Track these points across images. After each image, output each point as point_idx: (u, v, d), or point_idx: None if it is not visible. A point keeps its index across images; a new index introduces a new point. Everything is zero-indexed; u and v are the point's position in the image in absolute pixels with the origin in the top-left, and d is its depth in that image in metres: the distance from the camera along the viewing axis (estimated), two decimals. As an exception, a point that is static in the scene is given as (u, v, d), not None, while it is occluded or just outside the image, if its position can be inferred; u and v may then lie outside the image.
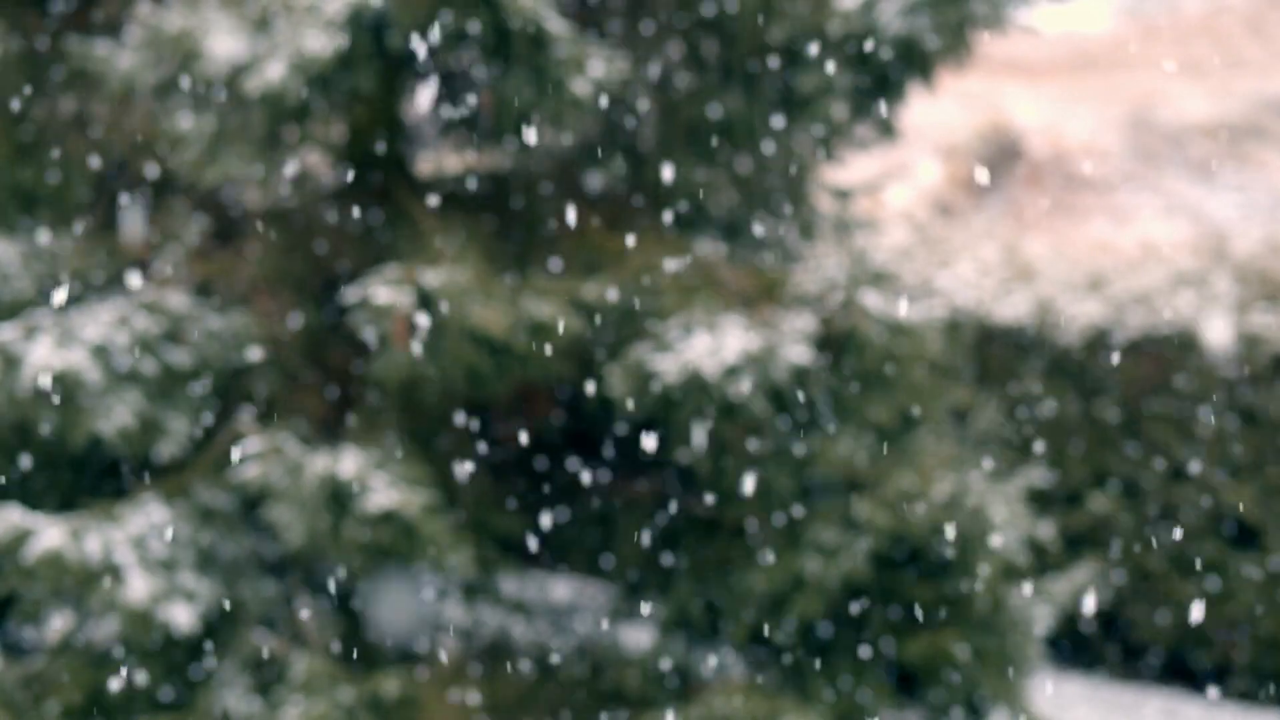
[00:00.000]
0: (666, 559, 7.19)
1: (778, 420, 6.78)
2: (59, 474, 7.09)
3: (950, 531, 6.91)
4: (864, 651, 7.04)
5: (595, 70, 6.58)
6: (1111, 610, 10.57)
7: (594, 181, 7.35)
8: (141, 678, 6.70)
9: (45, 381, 6.46)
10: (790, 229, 7.79)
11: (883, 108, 7.50)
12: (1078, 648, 10.71)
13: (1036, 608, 7.28)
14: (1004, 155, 18.13)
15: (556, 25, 6.47)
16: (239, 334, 6.88)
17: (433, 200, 7.07)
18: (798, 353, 6.50)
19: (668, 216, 7.28)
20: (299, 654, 6.71)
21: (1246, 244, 11.08)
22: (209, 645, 6.78)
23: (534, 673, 7.15)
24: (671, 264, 6.84)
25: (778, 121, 7.33)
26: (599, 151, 7.33)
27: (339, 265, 7.04)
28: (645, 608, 7.29)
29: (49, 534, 6.43)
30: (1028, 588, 7.30)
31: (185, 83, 6.61)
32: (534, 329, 6.46)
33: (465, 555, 6.51)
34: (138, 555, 6.47)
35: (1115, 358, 10.48)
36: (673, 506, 7.17)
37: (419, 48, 6.52)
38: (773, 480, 6.88)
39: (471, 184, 7.30)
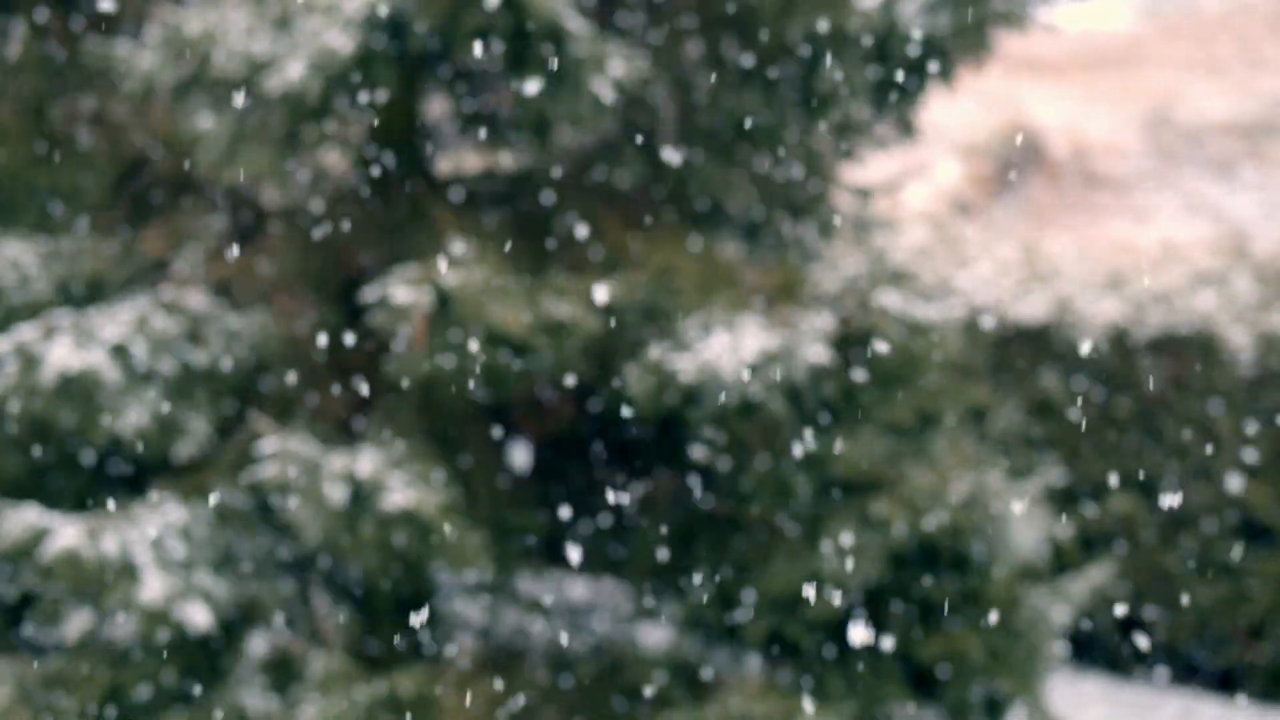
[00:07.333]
0: (684, 558, 7.18)
1: (795, 419, 6.78)
2: (77, 473, 7.09)
3: (968, 531, 6.90)
4: (881, 651, 7.03)
5: (615, 69, 6.58)
6: (1130, 610, 10.55)
7: (613, 181, 7.35)
8: (159, 677, 6.70)
9: (64, 381, 6.47)
10: (809, 228, 7.78)
11: (902, 106, 7.49)
12: (1096, 647, 10.69)
13: (1054, 607, 7.27)
14: (1023, 154, 18.09)
15: (576, 24, 6.47)
16: (257, 334, 6.88)
17: (452, 200, 7.07)
18: (816, 352, 6.49)
19: (687, 216, 7.27)
20: (316, 653, 6.72)
21: (1267, 243, 11.06)
22: (226, 644, 6.79)
23: (551, 672, 7.14)
24: (690, 263, 6.83)
25: (797, 120, 7.32)
26: (618, 151, 7.32)
27: (358, 265, 7.04)
28: (663, 607, 7.28)
29: (66, 533, 6.43)
30: (1045, 587, 7.29)
31: (204, 82, 6.63)
32: (553, 328, 6.46)
33: (482, 555, 6.51)
34: (155, 555, 6.48)
35: (1135, 357, 10.46)
36: (690, 506, 7.17)
37: (439, 47, 6.52)
38: (790, 480, 6.88)
39: (491, 183, 7.30)
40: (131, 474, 7.11)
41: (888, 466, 6.98)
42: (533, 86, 6.51)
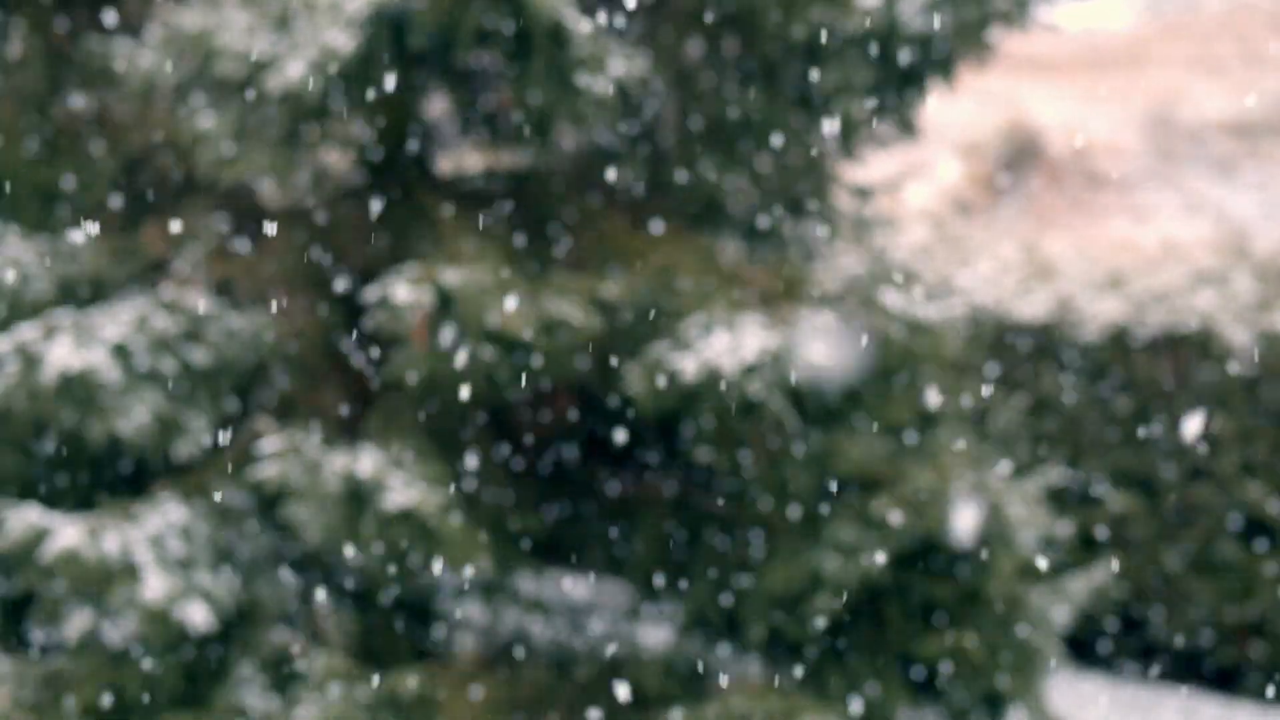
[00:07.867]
0: (684, 558, 7.18)
1: (796, 419, 6.77)
2: (77, 473, 7.09)
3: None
4: (882, 650, 7.03)
5: (616, 68, 6.57)
6: (1130, 609, 10.55)
7: (614, 179, 7.35)
8: (160, 676, 6.70)
9: (64, 381, 6.46)
10: (810, 228, 7.78)
11: (903, 105, 7.50)
12: (1096, 646, 10.69)
13: (1055, 606, 7.26)
14: (1024, 153, 18.09)
15: (577, 23, 6.47)
16: (258, 333, 6.88)
17: (453, 199, 7.07)
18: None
19: (687, 215, 7.27)
20: (316, 653, 6.72)
21: (1267, 243, 11.06)
22: (227, 643, 6.78)
23: (551, 671, 7.14)
24: (690, 263, 6.83)
25: (798, 119, 7.32)
26: (619, 150, 7.32)
27: (359, 264, 7.04)
28: (663, 607, 7.28)
29: (66, 533, 6.43)
30: (1045, 587, 7.28)
31: (205, 81, 6.63)
32: (553, 328, 6.46)
33: (483, 554, 6.50)
34: (155, 554, 6.47)
35: (1135, 356, 10.45)
36: (691, 505, 7.16)
37: (439, 47, 6.51)
38: (791, 479, 6.88)
39: (492, 183, 7.30)
40: (132, 474, 7.11)
41: (888, 465, 6.97)
42: (533, 86, 6.51)
